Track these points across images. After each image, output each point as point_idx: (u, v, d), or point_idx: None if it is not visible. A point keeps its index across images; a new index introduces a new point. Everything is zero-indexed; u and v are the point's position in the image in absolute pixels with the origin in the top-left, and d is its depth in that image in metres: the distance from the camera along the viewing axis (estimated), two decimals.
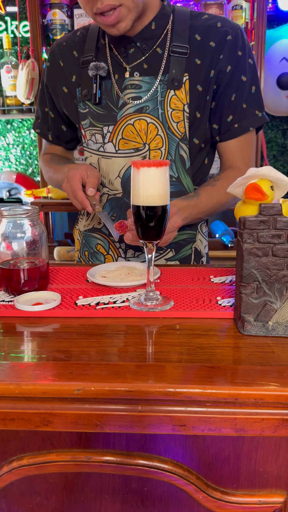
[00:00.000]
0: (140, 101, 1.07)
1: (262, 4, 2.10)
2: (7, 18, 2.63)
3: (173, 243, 1.15)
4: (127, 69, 1.08)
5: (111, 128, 1.09)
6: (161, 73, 1.06)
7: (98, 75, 1.08)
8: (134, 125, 1.07)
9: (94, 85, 1.09)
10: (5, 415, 0.57)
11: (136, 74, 1.07)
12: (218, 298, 0.82)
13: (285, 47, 2.41)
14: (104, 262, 1.18)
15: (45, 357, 0.63)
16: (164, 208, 0.77)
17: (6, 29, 2.64)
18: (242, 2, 2.13)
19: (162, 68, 1.06)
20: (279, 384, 0.56)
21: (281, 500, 0.63)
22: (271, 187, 0.71)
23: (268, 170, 0.70)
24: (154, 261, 1.01)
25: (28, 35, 2.40)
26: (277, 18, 2.48)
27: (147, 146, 1.08)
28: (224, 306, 0.79)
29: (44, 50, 2.30)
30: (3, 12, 2.60)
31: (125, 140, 1.09)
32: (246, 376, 0.57)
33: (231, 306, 0.79)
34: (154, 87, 1.06)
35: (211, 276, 0.95)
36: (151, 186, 0.75)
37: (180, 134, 1.08)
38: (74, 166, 1.08)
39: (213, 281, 0.92)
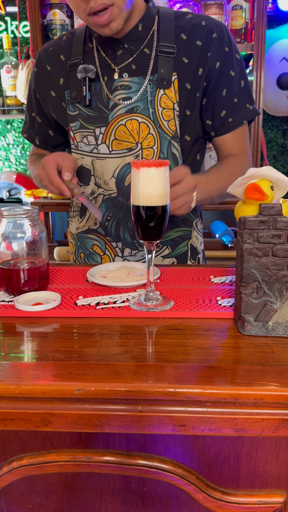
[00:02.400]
0: (131, 101, 1.08)
1: (262, 4, 2.10)
2: (7, 18, 2.62)
3: (168, 240, 1.16)
4: (116, 70, 1.09)
5: (103, 129, 1.10)
6: (149, 73, 1.07)
7: (87, 78, 1.09)
8: (126, 125, 1.08)
9: (84, 87, 1.09)
10: (5, 415, 0.57)
11: (125, 75, 1.08)
12: (218, 298, 0.82)
13: (285, 47, 2.40)
14: (101, 263, 1.18)
15: (45, 357, 0.63)
16: (164, 208, 0.77)
17: (6, 29, 2.64)
18: (242, 2, 2.13)
19: (151, 68, 1.07)
20: (279, 384, 0.56)
21: (281, 500, 0.63)
22: (271, 187, 0.71)
23: (268, 170, 0.70)
24: None
25: (28, 35, 2.40)
26: (277, 18, 2.48)
27: (139, 145, 1.09)
28: (224, 306, 0.79)
29: None
30: (3, 12, 2.60)
31: (118, 140, 1.09)
32: (246, 376, 0.57)
33: (231, 306, 0.79)
34: (144, 87, 1.07)
35: (211, 276, 0.95)
36: (151, 186, 0.75)
37: (171, 132, 1.08)
38: (49, 154, 1.07)
39: (213, 281, 0.92)
